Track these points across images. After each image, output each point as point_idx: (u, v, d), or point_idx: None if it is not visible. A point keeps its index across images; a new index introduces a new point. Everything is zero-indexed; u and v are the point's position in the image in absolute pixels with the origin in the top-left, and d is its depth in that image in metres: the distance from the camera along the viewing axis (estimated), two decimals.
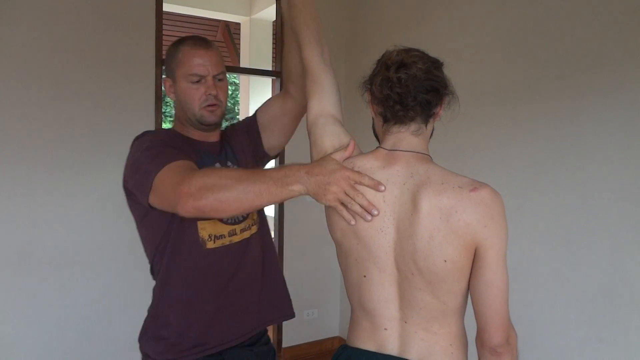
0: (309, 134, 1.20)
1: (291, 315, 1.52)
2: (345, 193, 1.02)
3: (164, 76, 1.41)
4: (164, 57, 2.90)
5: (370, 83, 1.10)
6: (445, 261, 0.98)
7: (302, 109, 1.52)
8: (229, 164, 1.42)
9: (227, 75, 1.48)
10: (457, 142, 2.64)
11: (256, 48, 4.76)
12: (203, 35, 1.58)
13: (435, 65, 1.06)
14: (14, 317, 2.54)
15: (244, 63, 5.01)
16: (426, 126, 1.08)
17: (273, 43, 4.71)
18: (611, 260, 1.99)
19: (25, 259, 2.55)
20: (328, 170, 1.03)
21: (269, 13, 4.43)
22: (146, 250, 1.39)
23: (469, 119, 2.56)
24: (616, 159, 1.97)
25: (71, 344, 2.64)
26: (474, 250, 0.99)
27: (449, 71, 1.09)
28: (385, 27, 3.23)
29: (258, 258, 1.43)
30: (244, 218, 1.38)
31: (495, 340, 1.00)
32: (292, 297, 3.57)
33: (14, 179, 2.52)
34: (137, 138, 1.32)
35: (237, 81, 10.56)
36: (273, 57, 4.72)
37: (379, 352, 1.07)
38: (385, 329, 1.07)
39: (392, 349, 1.06)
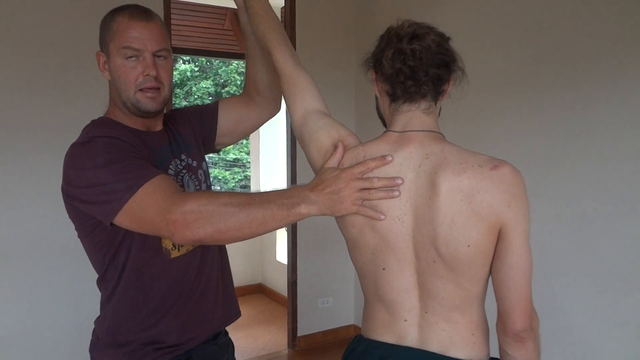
0: (300, 135, 1.14)
1: (239, 314, 1.44)
2: (361, 189, 0.96)
3: (97, 52, 1.21)
4: (172, 45, 2.92)
5: (375, 59, 1.03)
6: (468, 246, 0.93)
7: (265, 118, 1.49)
8: (183, 156, 1.29)
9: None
10: (469, 129, 2.59)
11: None
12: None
13: (444, 38, 1.00)
14: (27, 306, 2.56)
15: None
16: (436, 104, 1.03)
17: None
18: (630, 243, 1.95)
19: (37, 248, 2.56)
20: (332, 179, 0.97)
21: (277, 0, 4.38)
22: (94, 260, 1.23)
23: (481, 104, 2.51)
24: (633, 142, 1.92)
25: (84, 332, 2.65)
26: (497, 231, 0.94)
27: (459, 48, 1.04)
28: (395, 8, 3.17)
29: (217, 259, 1.34)
30: None
31: (519, 326, 0.96)
32: (307, 286, 3.61)
33: (25, 169, 2.53)
34: (78, 145, 1.12)
35: None
36: None
37: (398, 344, 1.03)
38: (405, 320, 1.02)
39: (411, 341, 1.02)
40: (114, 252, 1.17)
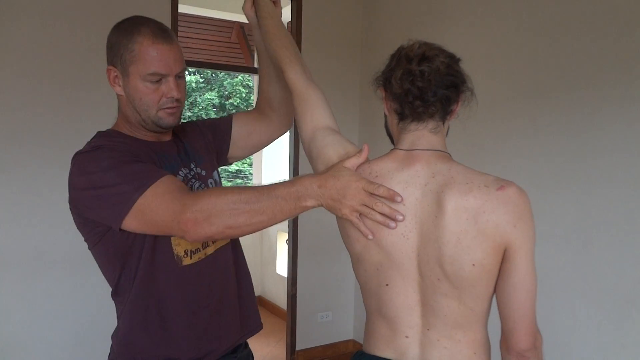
0: (309, 150, 1.16)
1: (261, 326, 1.42)
2: (363, 204, 0.97)
3: (109, 66, 1.18)
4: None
5: (385, 78, 1.05)
6: (473, 265, 0.94)
7: (277, 134, 1.51)
8: (192, 165, 1.29)
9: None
10: (474, 144, 2.60)
11: None
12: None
13: (454, 60, 1.02)
14: (29, 316, 2.56)
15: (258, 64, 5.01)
16: (443, 124, 1.04)
17: None
18: (635, 265, 1.94)
19: (40, 258, 2.57)
20: (342, 184, 0.98)
21: (284, 14, 4.42)
22: (106, 272, 1.22)
23: (486, 120, 2.52)
24: (637, 166, 1.92)
25: (86, 343, 2.65)
26: (502, 251, 0.95)
27: (465, 68, 1.06)
28: (400, 25, 3.20)
29: (231, 269, 1.32)
30: None
31: (523, 345, 0.97)
32: (306, 300, 3.61)
33: (29, 179, 2.54)
34: (83, 153, 1.14)
35: (252, 84, 10.61)
36: None
37: None
38: (407, 336, 1.03)
39: (412, 358, 1.02)
40: (125, 260, 1.17)
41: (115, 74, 1.18)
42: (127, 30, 1.15)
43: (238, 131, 1.44)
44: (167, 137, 1.29)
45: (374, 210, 0.97)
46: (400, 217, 0.97)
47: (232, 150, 1.45)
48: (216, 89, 12.85)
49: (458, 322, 0.99)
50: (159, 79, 1.15)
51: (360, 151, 1.05)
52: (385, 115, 1.11)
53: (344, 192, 0.97)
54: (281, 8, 1.41)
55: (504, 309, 0.98)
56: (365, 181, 0.98)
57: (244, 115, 1.49)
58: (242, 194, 1.02)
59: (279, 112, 1.47)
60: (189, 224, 1.00)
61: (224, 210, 1.01)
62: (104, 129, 1.26)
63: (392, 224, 0.98)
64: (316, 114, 1.17)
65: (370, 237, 0.99)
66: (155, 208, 1.04)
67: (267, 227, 1.04)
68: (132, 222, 1.07)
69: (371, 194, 0.97)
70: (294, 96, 1.21)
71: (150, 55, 1.13)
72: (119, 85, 1.19)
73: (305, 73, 1.24)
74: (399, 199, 0.97)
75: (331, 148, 1.11)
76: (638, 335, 1.93)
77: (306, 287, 3.48)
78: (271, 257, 4.69)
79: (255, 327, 1.41)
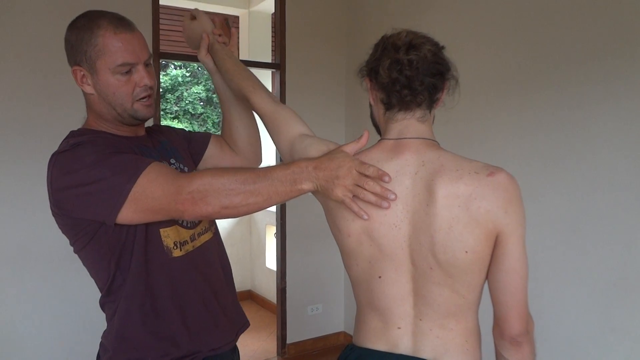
0: (292, 160, 1.15)
1: (248, 323, 1.42)
2: (356, 184, 0.97)
3: (74, 66, 1.16)
4: (160, 50, 2.90)
5: (370, 68, 1.03)
6: (466, 252, 0.94)
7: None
8: (173, 160, 1.29)
9: None
10: (463, 133, 2.60)
11: (255, 40, 4.72)
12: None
13: (439, 47, 1.02)
14: (14, 314, 2.52)
15: (243, 56, 4.96)
16: (430, 112, 1.04)
17: (272, 35, 4.67)
18: (623, 249, 1.95)
19: (25, 256, 2.53)
20: (335, 164, 0.99)
21: (268, 5, 4.38)
22: (98, 274, 1.20)
23: (474, 108, 2.51)
24: (626, 146, 1.93)
25: (71, 340, 2.62)
26: (494, 237, 0.95)
27: (451, 54, 1.05)
28: (386, 15, 3.18)
29: (217, 264, 1.33)
30: (199, 221, 1.28)
31: (515, 330, 0.97)
32: (296, 293, 3.61)
33: (13, 175, 2.49)
34: (61, 152, 1.10)
35: None
36: (272, 49, 4.68)
37: (391, 352, 1.02)
38: (399, 327, 1.02)
39: (405, 348, 1.01)
40: (119, 256, 1.15)
41: (82, 73, 1.16)
42: (86, 26, 1.13)
43: (212, 150, 1.45)
44: (142, 132, 1.29)
45: (365, 189, 0.97)
46: (393, 196, 0.97)
47: (201, 167, 1.45)
48: (203, 83, 12.73)
49: (450, 311, 0.99)
50: (128, 69, 1.14)
51: (359, 137, 1.04)
52: (371, 106, 1.10)
53: (337, 173, 0.98)
54: (236, 47, 1.45)
55: (496, 295, 0.98)
56: (357, 161, 0.99)
57: (221, 139, 1.50)
58: (238, 174, 1.04)
59: (243, 153, 1.49)
60: (186, 204, 1.02)
61: (220, 190, 1.02)
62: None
63: (385, 204, 0.97)
64: (289, 127, 1.19)
65: (365, 217, 0.98)
66: (150, 194, 1.04)
67: (263, 208, 1.06)
68: (128, 213, 1.06)
69: (362, 174, 0.98)
70: (264, 119, 1.23)
71: (116, 46, 1.12)
72: (88, 84, 1.16)
73: (270, 96, 1.27)
74: (387, 178, 0.97)
75: (313, 148, 1.11)
76: (626, 319, 1.95)
77: (296, 280, 3.47)
78: (260, 251, 4.67)
79: (244, 324, 1.40)
